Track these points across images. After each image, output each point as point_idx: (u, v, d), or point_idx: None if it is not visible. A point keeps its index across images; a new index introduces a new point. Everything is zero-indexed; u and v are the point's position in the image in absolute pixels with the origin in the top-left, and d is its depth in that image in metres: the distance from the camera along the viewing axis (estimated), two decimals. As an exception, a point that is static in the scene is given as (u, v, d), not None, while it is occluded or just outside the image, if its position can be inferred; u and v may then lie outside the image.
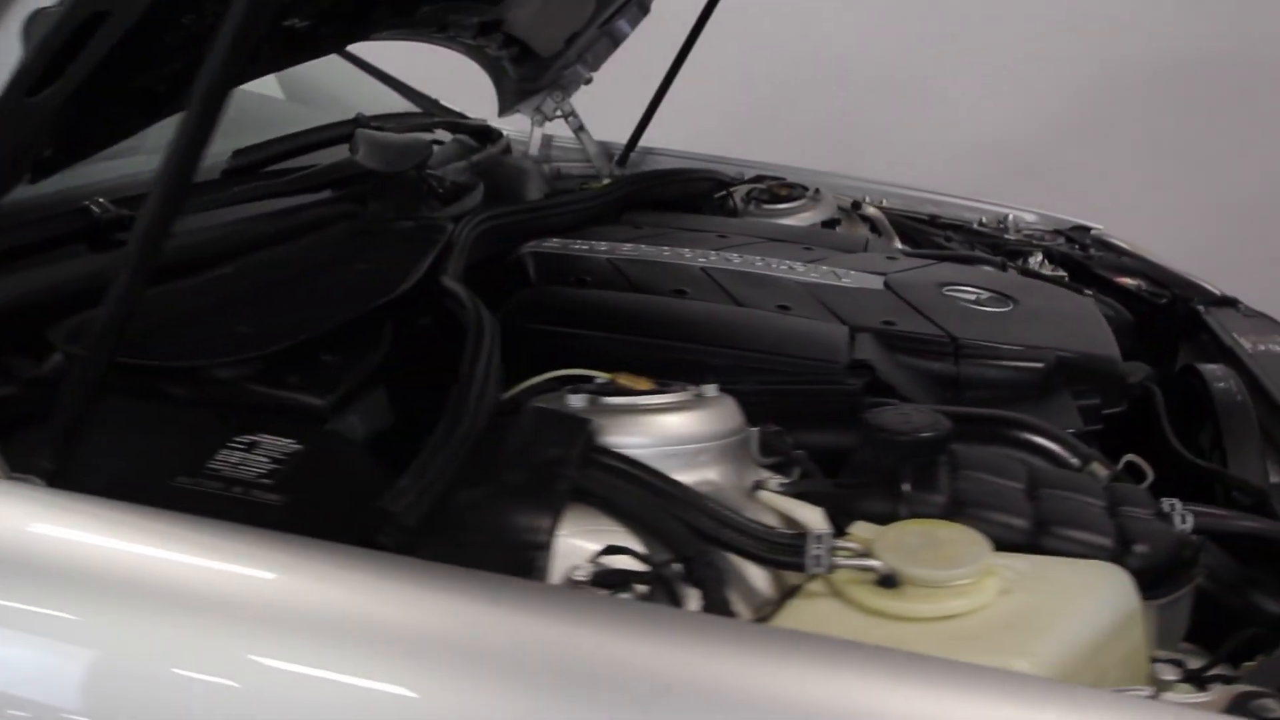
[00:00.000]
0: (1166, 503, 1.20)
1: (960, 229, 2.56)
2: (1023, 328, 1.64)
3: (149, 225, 0.92)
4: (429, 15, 1.87)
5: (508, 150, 2.67)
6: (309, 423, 1.16)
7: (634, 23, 2.74)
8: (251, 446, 1.08)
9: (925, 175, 3.52)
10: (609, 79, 2.75)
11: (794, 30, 4.54)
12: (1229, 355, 1.82)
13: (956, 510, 1.14)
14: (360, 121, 2.12)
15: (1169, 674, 0.89)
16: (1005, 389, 1.52)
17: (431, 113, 2.59)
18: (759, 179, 2.51)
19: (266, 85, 2.71)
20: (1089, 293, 2.06)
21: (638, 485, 1.04)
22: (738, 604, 1.01)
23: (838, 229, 2.32)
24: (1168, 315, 2.09)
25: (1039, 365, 1.53)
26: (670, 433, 1.16)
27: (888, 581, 1.00)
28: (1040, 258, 2.33)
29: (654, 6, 2.73)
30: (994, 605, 1.00)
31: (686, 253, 1.79)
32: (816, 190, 2.42)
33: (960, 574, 1.00)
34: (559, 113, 2.80)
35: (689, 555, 0.98)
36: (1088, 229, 2.58)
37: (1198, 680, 1.00)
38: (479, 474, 1.03)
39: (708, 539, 1.01)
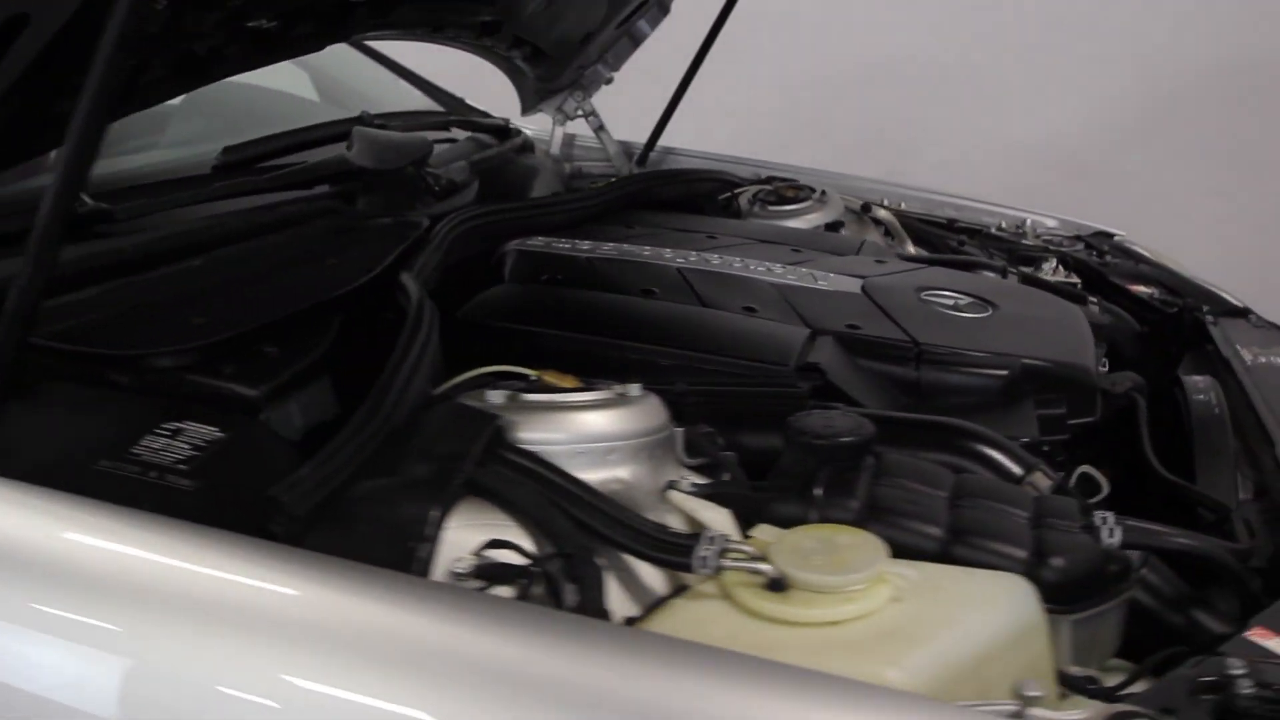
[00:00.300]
0: (1099, 516, 1.18)
1: (977, 233, 2.52)
2: (995, 334, 1.62)
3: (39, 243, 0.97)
4: (413, 15, 1.90)
5: (526, 149, 2.70)
6: (243, 412, 1.20)
7: (654, 23, 2.75)
8: (176, 433, 1.12)
9: (974, 177, 3.49)
10: (645, 79, 2.77)
11: (842, 30, 4.51)
12: (1226, 366, 1.77)
13: (870, 517, 1.13)
14: (363, 119, 2.17)
15: (1035, 689, 0.87)
16: (968, 395, 1.50)
17: (447, 111, 2.63)
18: (769, 180, 2.50)
19: (300, 87, 2.79)
20: (1094, 300, 2.02)
21: (532, 480, 1.06)
22: (625, 602, 1.02)
23: (842, 231, 2.30)
24: (1175, 324, 2.03)
25: (1002, 373, 1.51)
26: (584, 430, 1.17)
27: (776, 585, 1.00)
28: (1055, 264, 2.29)
29: (677, 7, 2.74)
30: (880, 613, 0.99)
31: (667, 253, 1.80)
32: (823, 192, 2.40)
33: (848, 580, 1.00)
34: (580, 112, 2.82)
35: (570, 552, 0.99)
36: (1109, 235, 2.52)
37: (1108, 696, 0.98)
38: (386, 466, 1.06)
39: (596, 536, 1.02)
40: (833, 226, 2.31)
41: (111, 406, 1.19)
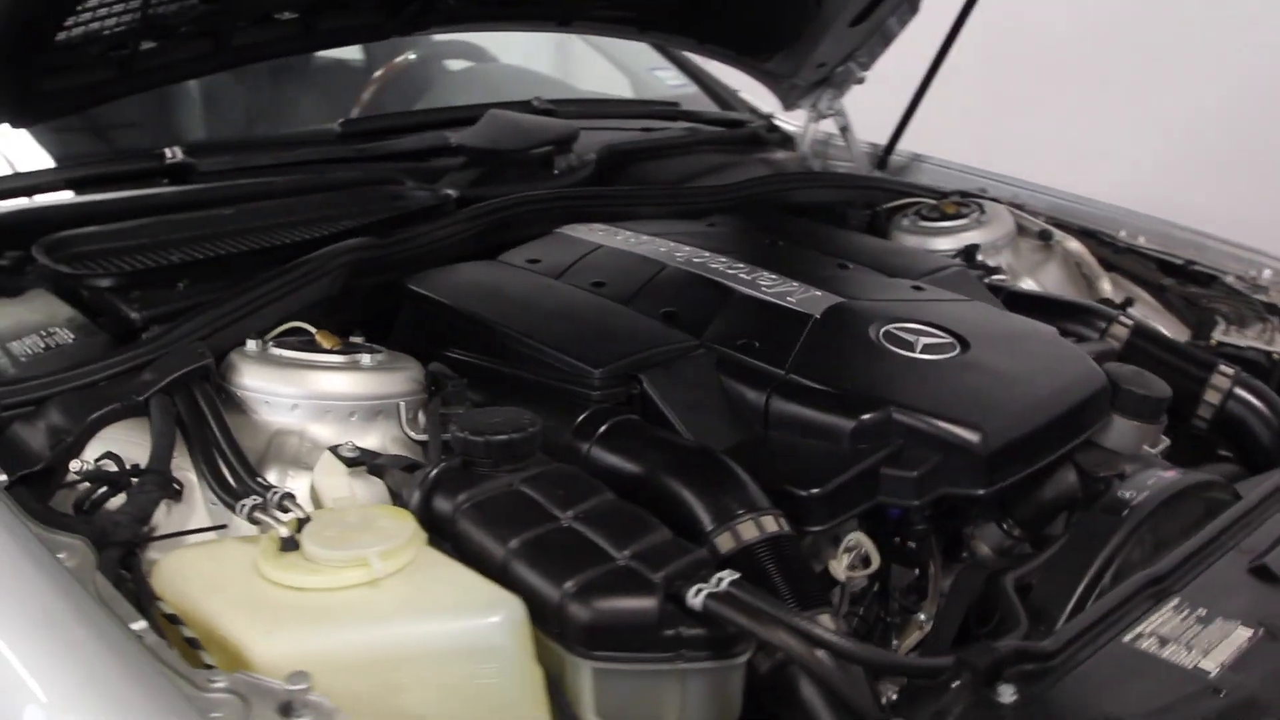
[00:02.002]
0: (717, 578, 1.07)
1: (1212, 280, 2.13)
2: (920, 378, 1.44)
3: None
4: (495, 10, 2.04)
5: (756, 142, 2.73)
6: (128, 333, 1.49)
7: (904, 22, 2.62)
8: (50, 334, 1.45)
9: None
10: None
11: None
12: None
13: (466, 516, 1.14)
14: (532, 105, 2.38)
15: (301, 684, 0.88)
16: (812, 434, 1.37)
17: (650, 102, 2.74)
18: (956, 194, 2.29)
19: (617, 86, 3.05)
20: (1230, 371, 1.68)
21: (184, 414, 1.23)
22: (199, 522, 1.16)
23: (979, 257, 2.07)
24: None
25: (845, 423, 1.35)
26: (304, 386, 1.31)
27: (287, 544, 1.08)
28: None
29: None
30: (341, 592, 1.03)
31: (662, 248, 1.77)
32: (983, 211, 2.17)
33: (328, 555, 1.05)
34: (831, 110, 2.77)
35: (158, 471, 1.16)
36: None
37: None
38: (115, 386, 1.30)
39: (206, 467, 1.18)
40: (969, 251, 2.09)
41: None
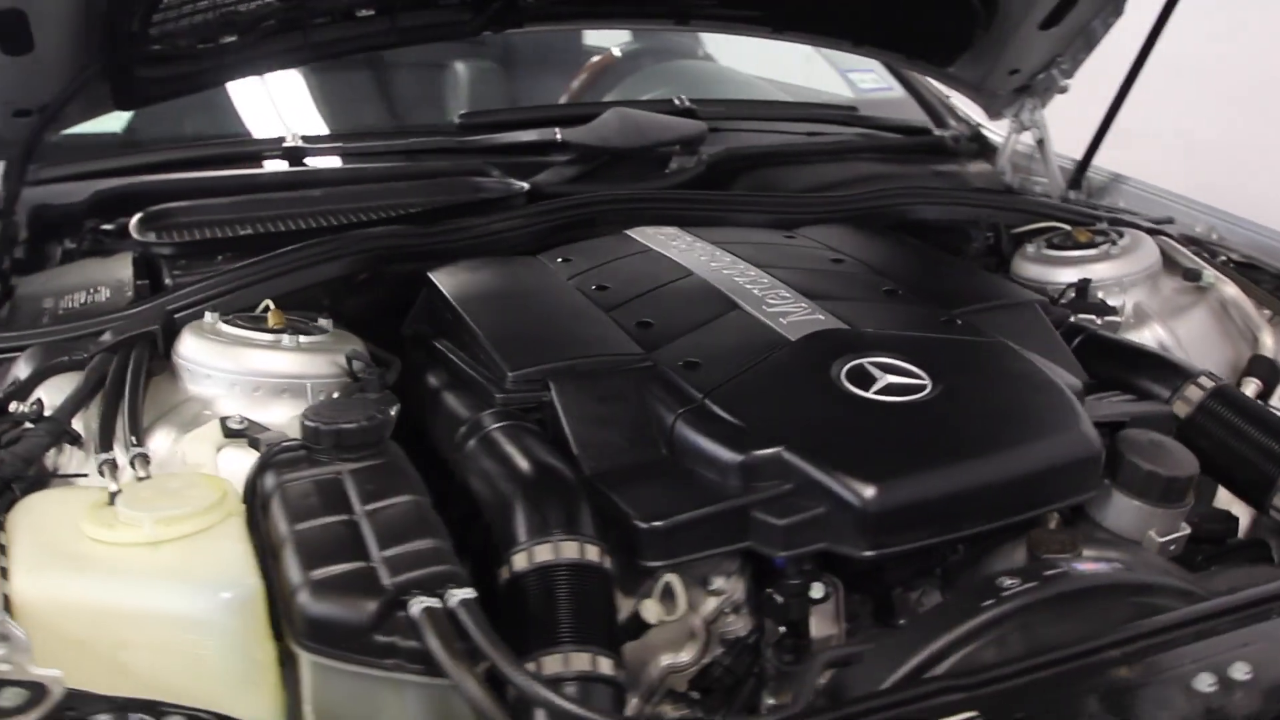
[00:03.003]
0: (454, 594, 1.04)
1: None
2: (839, 424, 1.30)
3: None
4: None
5: (938, 151, 2.54)
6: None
7: (1108, 24, 2.33)
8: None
9: None
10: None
11: None
12: None
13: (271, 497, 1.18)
14: (672, 103, 2.36)
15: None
16: (703, 464, 1.29)
17: (824, 107, 2.61)
18: (1103, 221, 2.02)
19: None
20: None
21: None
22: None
23: (1099, 294, 1.81)
24: None
25: (733, 457, 1.25)
26: (221, 361, 1.42)
27: (111, 499, 1.18)
28: None
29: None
30: (122, 549, 1.11)
31: (712, 261, 1.71)
32: (1112, 244, 1.89)
33: (127, 514, 1.13)
34: (1032, 122, 2.52)
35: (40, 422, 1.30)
36: None
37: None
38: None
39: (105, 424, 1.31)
40: (1082, 285, 1.83)
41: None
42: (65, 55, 1.69)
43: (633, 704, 1.23)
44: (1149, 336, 1.79)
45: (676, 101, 2.39)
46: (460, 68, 2.86)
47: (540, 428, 1.35)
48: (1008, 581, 1.10)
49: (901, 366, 1.39)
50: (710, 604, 1.26)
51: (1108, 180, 2.45)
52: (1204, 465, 1.50)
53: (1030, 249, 1.96)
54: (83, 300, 1.65)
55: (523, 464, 1.26)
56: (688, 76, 2.92)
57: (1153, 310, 1.85)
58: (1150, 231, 2.00)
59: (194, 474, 1.24)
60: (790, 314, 1.51)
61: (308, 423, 1.22)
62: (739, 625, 1.28)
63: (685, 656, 1.25)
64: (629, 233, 1.85)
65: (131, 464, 1.24)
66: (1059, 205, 2.14)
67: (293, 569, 1.08)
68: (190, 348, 1.43)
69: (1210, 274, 1.89)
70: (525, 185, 1.98)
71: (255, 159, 2.09)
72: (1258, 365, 1.79)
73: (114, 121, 2.22)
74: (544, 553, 1.14)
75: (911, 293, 1.65)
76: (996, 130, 2.63)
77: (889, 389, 1.35)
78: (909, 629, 1.13)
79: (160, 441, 1.34)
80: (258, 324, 1.47)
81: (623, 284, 1.64)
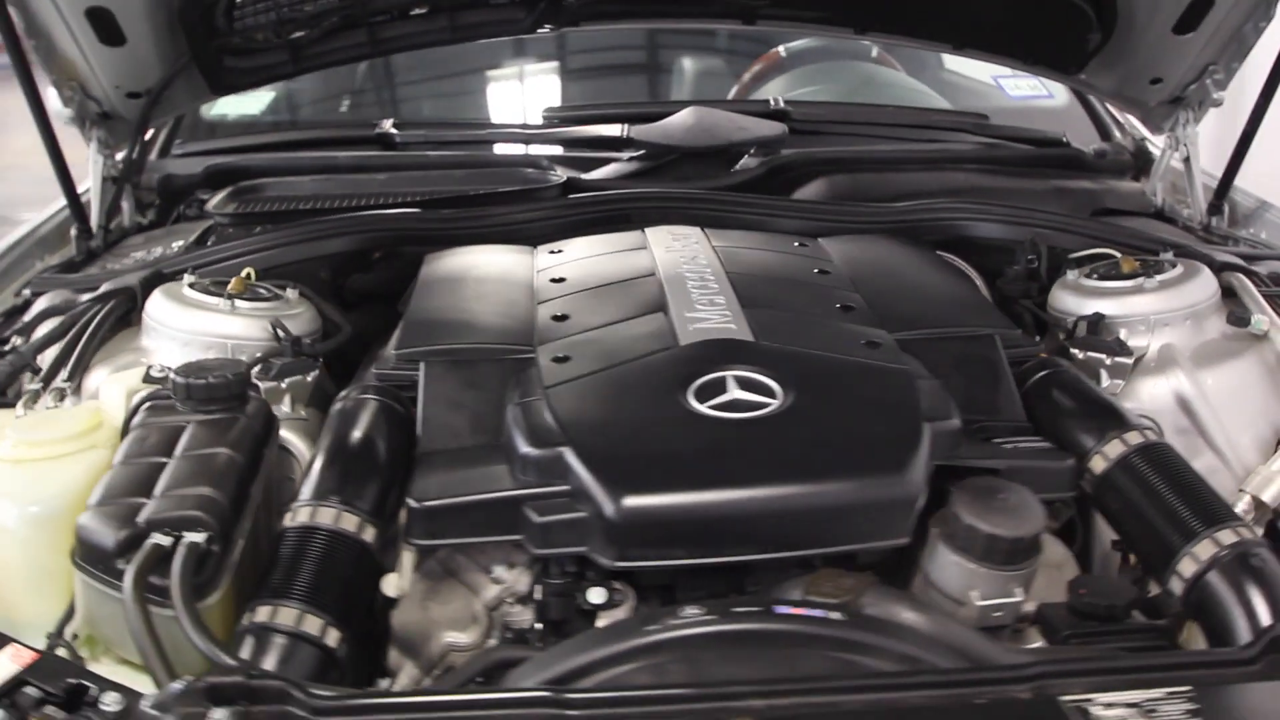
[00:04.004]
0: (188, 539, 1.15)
1: None
2: (631, 431, 1.30)
3: None
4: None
5: (1075, 165, 2.34)
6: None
7: (1259, 29, 2.04)
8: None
9: None
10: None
11: None
12: None
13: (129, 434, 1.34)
14: (769, 105, 2.33)
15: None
16: (507, 455, 1.32)
17: (946, 114, 2.45)
18: (1167, 250, 1.78)
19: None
20: None
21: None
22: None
23: (1121, 332, 1.62)
24: None
25: (521, 450, 1.27)
26: (162, 317, 1.61)
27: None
28: None
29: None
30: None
31: (690, 262, 1.70)
32: (1147, 278, 1.66)
33: (8, 434, 1.34)
34: (1184, 137, 2.25)
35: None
36: None
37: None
38: None
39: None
40: (1095, 321, 1.64)
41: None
42: (157, 47, 1.96)
43: (410, 673, 1.28)
44: (1166, 384, 1.58)
45: (772, 102, 2.35)
46: (687, 63, 2.96)
47: (411, 404, 1.43)
48: (689, 610, 1.05)
49: (762, 383, 1.33)
50: (492, 591, 1.29)
51: (1255, 206, 2.14)
52: (1114, 529, 1.34)
53: (1070, 276, 1.77)
54: (138, 256, 1.91)
55: (341, 431, 1.34)
56: (845, 77, 2.84)
57: (1185, 354, 1.61)
58: (1223, 268, 1.74)
59: (86, 408, 1.43)
60: (706, 320, 1.49)
61: (171, 376, 1.37)
62: (525, 617, 1.29)
63: (465, 638, 1.28)
64: (648, 230, 1.87)
65: (52, 396, 1.45)
66: (1119, 230, 1.91)
67: (94, 496, 1.23)
68: (152, 304, 1.63)
69: (1264, 321, 1.62)
70: (561, 178, 2.05)
71: (351, 143, 2.30)
72: (1301, 431, 1.53)
73: (255, 104, 2.53)
74: (304, 514, 1.23)
75: (874, 310, 1.56)
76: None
77: (729, 405, 1.30)
78: (578, 639, 1.10)
79: (94, 380, 1.54)
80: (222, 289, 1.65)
81: (580, 278, 1.68)
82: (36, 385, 1.48)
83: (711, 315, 1.50)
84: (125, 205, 2.17)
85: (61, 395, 1.46)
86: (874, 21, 2.10)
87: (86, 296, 1.66)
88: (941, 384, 1.38)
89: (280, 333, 1.57)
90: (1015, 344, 1.54)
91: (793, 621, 1.03)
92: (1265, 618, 1.16)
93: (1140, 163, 2.43)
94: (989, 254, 1.90)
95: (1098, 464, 1.33)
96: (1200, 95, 2.17)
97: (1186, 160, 2.21)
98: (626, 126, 2.22)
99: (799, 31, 2.31)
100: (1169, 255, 1.76)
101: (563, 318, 1.55)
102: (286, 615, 1.14)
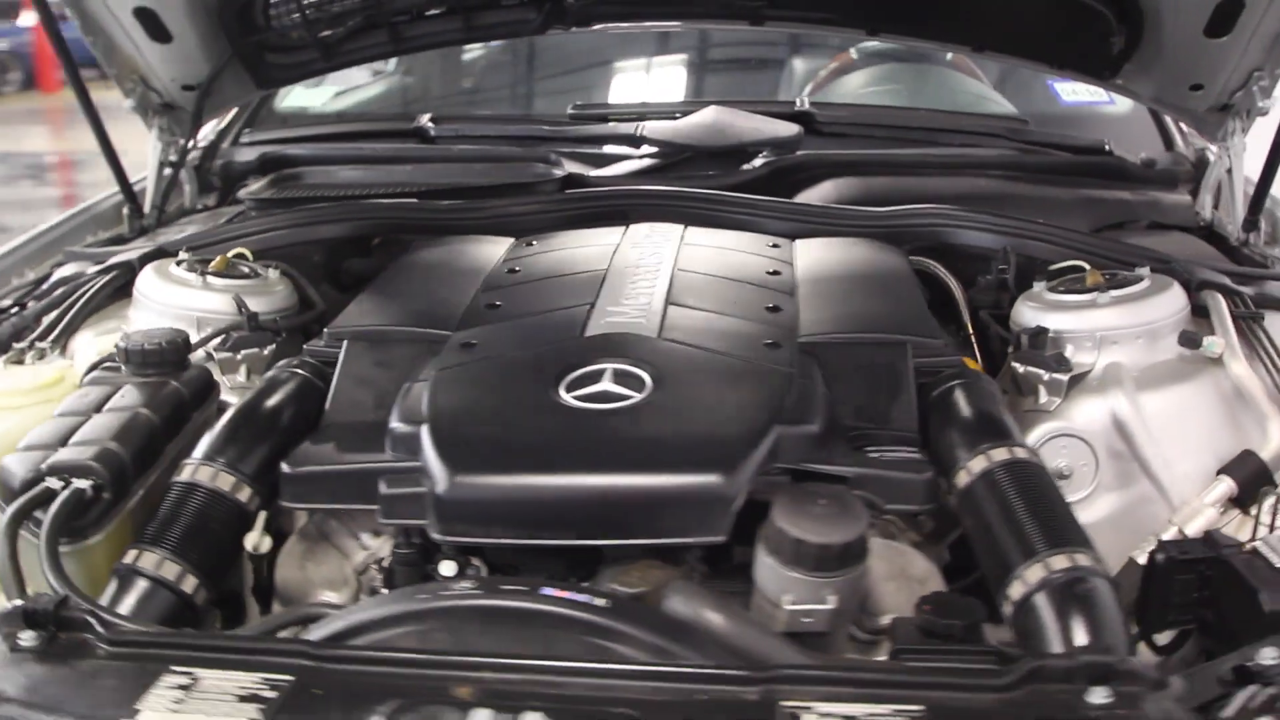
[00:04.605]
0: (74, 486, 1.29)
1: None
2: (485, 411, 1.37)
3: None
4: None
5: (1115, 176, 2.24)
6: None
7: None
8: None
9: None
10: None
11: None
12: None
13: None
14: (795, 109, 2.33)
15: None
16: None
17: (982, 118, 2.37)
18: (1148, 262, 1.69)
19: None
20: None
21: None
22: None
23: (1067, 349, 1.58)
24: None
25: (391, 427, 1.35)
26: (142, 289, 1.76)
27: (2, 374, 1.58)
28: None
29: None
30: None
31: (648, 258, 1.74)
32: (1101, 293, 1.58)
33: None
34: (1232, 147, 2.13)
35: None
36: None
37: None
38: None
39: None
40: (1035, 334, 1.58)
41: None
42: (202, 43, 2.14)
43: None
44: (1104, 405, 1.51)
45: (797, 104, 2.34)
46: (798, 63, 3.00)
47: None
48: (460, 584, 1.10)
49: (636, 377, 1.37)
50: (360, 556, 1.37)
51: (1298, 222, 2.00)
52: (973, 544, 1.30)
53: (1035, 288, 1.71)
54: (180, 231, 2.09)
55: (253, 398, 1.45)
56: (911, 81, 2.78)
57: (1131, 374, 1.54)
58: (1201, 285, 1.64)
59: (53, 366, 1.59)
60: (620, 315, 1.53)
61: (115, 342, 1.52)
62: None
63: (337, 598, 1.37)
64: (633, 227, 1.92)
65: (33, 355, 1.62)
66: (1102, 242, 1.81)
67: (21, 442, 1.39)
68: (140, 278, 1.79)
69: (1217, 344, 1.52)
70: (562, 173, 2.12)
71: (392, 136, 2.43)
72: (1240, 463, 1.44)
73: (319, 98, 2.70)
74: (187, 471, 1.34)
75: (805, 312, 1.57)
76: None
77: (596, 396, 1.34)
78: (365, 602, 1.16)
79: (78, 342, 1.71)
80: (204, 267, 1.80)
81: (534, 269, 1.75)
82: (25, 345, 1.65)
83: (629, 310, 1.54)
84: (187, 189, 2.37)
85: (41, 354, 1.64)
86: (885, 21, 2.06)
87: (94, 269, 1.84)
88: (820, 388, 1.38)
89: (241, 308, 1.70)
90: (933, 353, 1.51)
91: (553, 603, 1.07)
92: (1108, 639, 1.12)
93: (1199, 174, 2.29)
94: (972, 262, 1.86)
95: (961, 478, 1.30)
96: (1248, 103, 2.04)
97: (1229, 172, 2.08)
98: (640, 125, 2.26)
99: (810, 32, 2.28)
100: (1144, 270, 1.67)
101: (494, 306, 1.62)
102: (149, 560, 1.25)
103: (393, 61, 3.26)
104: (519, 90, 3.14)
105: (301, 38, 2.17)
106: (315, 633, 1.11)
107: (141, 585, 1.25)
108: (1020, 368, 1.56)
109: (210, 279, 1.75)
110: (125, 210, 2.22)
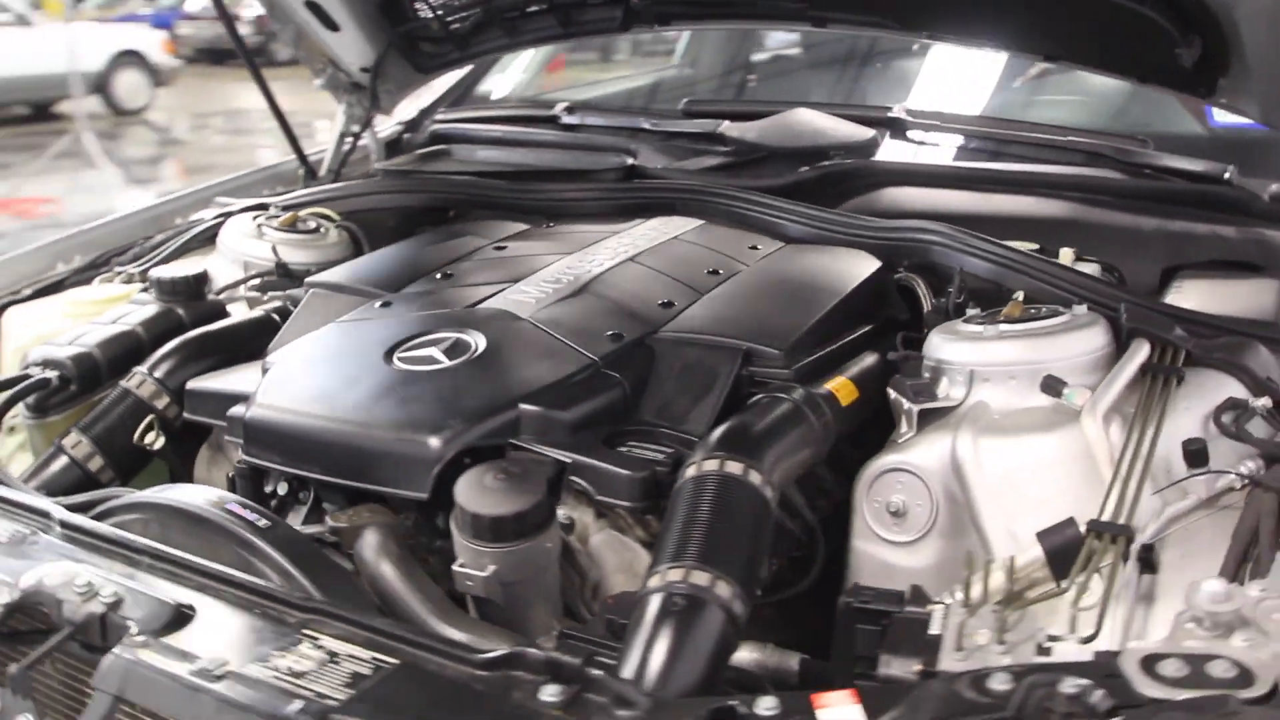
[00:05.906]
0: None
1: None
2: (325, 370, 1.53)
3: None
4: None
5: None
6: None
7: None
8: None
9: None
10: None
11: None
12: None
13: None
14: (891, 117, 2.26)
15: None
16: None
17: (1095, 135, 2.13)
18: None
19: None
20: None
21: None
22: None
23: (941, 382, 1.48)
24: None
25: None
26: (228, 243, 2.11)
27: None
28: None
29: None
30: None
31: (626, 253, 1.83)
32: (988, 326, 1.45)
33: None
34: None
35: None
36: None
37: None
38: None
39: None
40: (905, 359, 1.49)
41: None
42: (364, 32, 2.48)
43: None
44: (946, 444, 1.40)
45: (894, 109, 2.26)
46: None
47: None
48: (178, 490, 1.33)
49: (468, 348, 1.50)
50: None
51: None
52: None
53: (969, 313, 1.59)
54: None
55: (214, 328, 1.76)
56: (1089, 90, 2.55)
57: (990, 416, 1.41)
58: (1133, 332, 1.45)
59: (123, 289, 1.99)
60: (523, 294, 1.67)
61: (152, 273, 1.89)
62: None
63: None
64: (653, 219, 2.02)
65: (121, 278, 2.05)
66: (1070, 275, 1.62)
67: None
68: (223, 230, 2.15)
69: (1077, 395, 1.34)
70: (626, 162, 2.23)
71: (532, 121, 2.65)
72: (1057, 531, 1.28)
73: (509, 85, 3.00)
74: (130, 379, 1.66)
75: (704, 311, 1.63)
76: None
77: (416, 359, 1.49)
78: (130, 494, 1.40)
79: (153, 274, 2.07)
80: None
81: (517, 251, 1.92)
82: (120, 269, 2.08)
83: (532, 292, 1.67)
84: (374, 158, 2.75)
85: (129, 279, 2.05)
86: (950, 27, 1.95)
87: (212, 217, 2.25)
88: (618, 381, 1.44)
89: (276, 257, 2.02)
90: (772, 364, 1.49)
91: (225, 517, 1.26)
92: (653, 656, 1.09)
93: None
94: (941, 283, 1.75)
95: (680, 481, 1.30)
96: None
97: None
98: (719, 123, 2.31)
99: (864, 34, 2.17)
100: (1080, 307, 1.51)
101: (447, 276, 1.80)
102: (69, 440, 1.60)
103: (676, 54, 3.53)
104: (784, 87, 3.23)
105: (440, 30, 2.45)
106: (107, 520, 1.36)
107: (61, 459, 1.60)
108: (892, 394, 1.49)
109: (265, 230, 2.08)
110: (300, 171, 2.63)
